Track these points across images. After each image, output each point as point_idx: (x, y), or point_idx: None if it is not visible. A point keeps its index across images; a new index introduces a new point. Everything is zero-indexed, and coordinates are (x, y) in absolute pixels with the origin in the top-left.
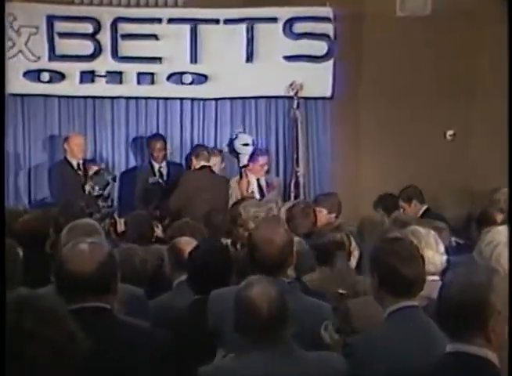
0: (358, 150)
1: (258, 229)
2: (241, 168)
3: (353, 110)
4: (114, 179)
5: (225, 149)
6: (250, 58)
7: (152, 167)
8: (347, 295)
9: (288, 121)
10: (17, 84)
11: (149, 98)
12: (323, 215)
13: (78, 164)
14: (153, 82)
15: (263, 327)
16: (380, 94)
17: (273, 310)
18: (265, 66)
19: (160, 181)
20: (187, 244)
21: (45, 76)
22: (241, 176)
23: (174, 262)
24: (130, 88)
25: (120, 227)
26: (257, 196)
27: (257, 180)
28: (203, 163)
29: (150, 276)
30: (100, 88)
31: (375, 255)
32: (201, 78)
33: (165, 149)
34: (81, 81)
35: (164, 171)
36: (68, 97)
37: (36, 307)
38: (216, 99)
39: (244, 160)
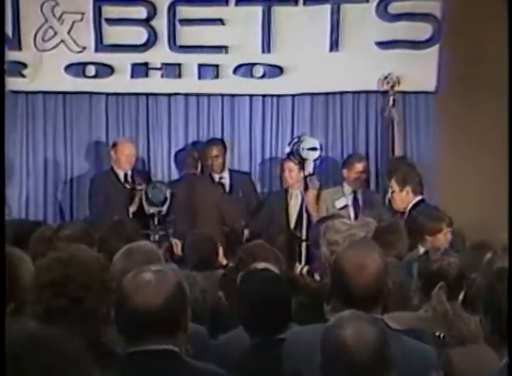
0: (467, 157)
1: (347, 253)
2: (306, 176)
3: (462, 108)
4: (173, 194)
5: (286, 152)
6: (335, 46)
7: (211, 177)
8: (447, 340)
9: (381, 121)
10: (58, 79)
11: (213, 94)
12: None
13: (126, 176)
14: (217, 76)
15: (359, 375)
16: (496, 89)
17: (372, 354)
18: (353, 56)
19: None
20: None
21: (91, 70)
22: (306, 187)
23: (230, 293)
24: (190, 82)
25: (177, 250)
26: (351, 214)
27: (354, 193)
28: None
29: (211, 311)
30: (155, 83)
31: (488, 290)
32: (275, 71)
33: (224, 156)
34: (133, 76)
35: (226, 182)
36: (117, 94)
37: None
38: (293, 96)
39: (309, 167)
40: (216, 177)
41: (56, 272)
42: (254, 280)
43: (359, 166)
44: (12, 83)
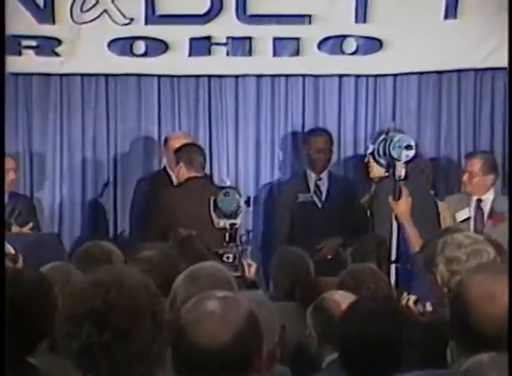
0: None
1: (473, 278)
2: (397, 180)
3: None
4: (248, 202)
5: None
6: (451, 12)
7: (306, 178)
8: None
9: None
10: (99, 58)
11: (292, 75)
12: None
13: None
14: (297, 52)
15: None
16: None
17: None
18: (475, 24)
19: (315, 199)
20: (343, 302)
21: (140, 46)
22: (399, 194)
23: (323, 328)
24: (263, 60)
25: (250, 274)
26: (471, 226)
27: (478, 201)
28: None
29: (296, 348)
30: (219, 62)
31: None
32: (372, 45)
33: (331, 151)
34: (192, 53)
35: (324, 185)
36: (172, 76)
37: None
38: (395, 75)
39: (401, 169)
40: (313, 177)
41: (95, 299)
42: (359, 312)
43: (480, 167)
44: (44, 64)
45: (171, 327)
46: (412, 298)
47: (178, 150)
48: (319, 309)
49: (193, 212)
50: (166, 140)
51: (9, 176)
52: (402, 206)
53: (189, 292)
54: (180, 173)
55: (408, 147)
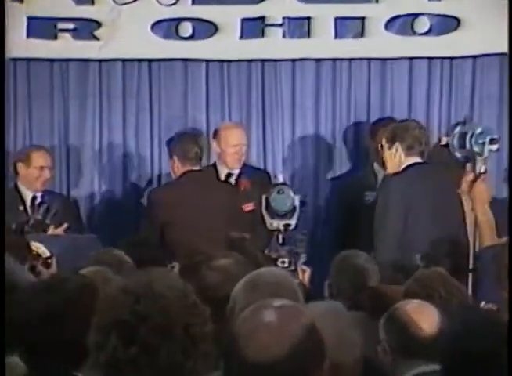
0: None
1: None
2: (477, 177)
3: None
4: (303, 202)
5: (443, 143)
6: None
7: (374, 174)
8: None
9: None
10: (142, 42)
11: (356, 59)
12: None
13: (228, 176)
14: (361, 33)
15: None
16: None
17: None
18: None
19: None
20: (420, 312)
21: (187, 28)
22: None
23: (397, 341)
24: (323, 43)
25: (305, 279)
26: None
27: None
28: None
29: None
30: (274, 44)
31: None
32: (447, 23)
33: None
34: (243, 35)
35: None
36: (222, 61)
37: None
38: (474, 57)
39: (482, 165)
40: (382, 174)
41: (124, 309)
42: (460, 324)
43: None
44: (81, 48)
45: (224, 338)
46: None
47: (169, 142)
48: (392, 320)
49: (190, 211)
50: (215, 132)
51: (44, 175)
52: (481, 186)
53: (249, 301)
54: (175, 168)
55: (492, 141)
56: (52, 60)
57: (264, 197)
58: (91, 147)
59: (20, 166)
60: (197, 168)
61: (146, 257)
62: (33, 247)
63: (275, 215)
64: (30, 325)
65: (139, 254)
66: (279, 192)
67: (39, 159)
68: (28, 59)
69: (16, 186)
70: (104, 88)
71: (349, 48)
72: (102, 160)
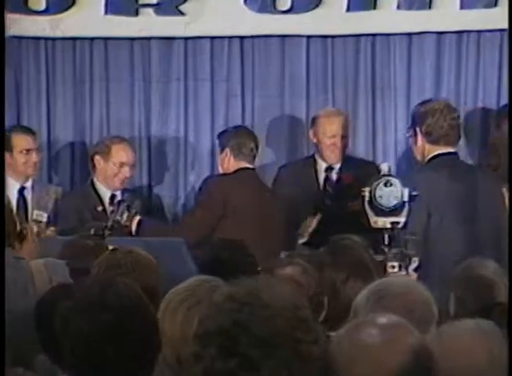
0: None
1: None
2: None
3: None
4: (414, 196)
5: None
6: None
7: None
8: None
9: None
10: (234, 16)
11: (492, 30)
12: None
13: (328, 169)
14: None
15: None
16: None
17: None
18: None
19: None
20: None
21: (285, 0)
22: None
23: None
24: (446, 14)
25: None
26: None
27: None
28: None
29: None
30: (387, 17)
31: None
32: None
33: None
34: (350, 8)
35: None
36: (325, 37)
37: None
38: None
39: None
40: None
41: (226, 317)
42: None
43: None
44: (165, 25)
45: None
46: None
47: (222, 134)
48: None
49: (246, 209)
50: (313, 120)
51: (123, 173)
52: None
53: (374, 314)
54: (225, 162)
55: None
56: (132, 39)
57: (367, 190)
58: (176, 137)
59: (98, 160)
60: (251, 165)
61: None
62: None
63: (379, 211)
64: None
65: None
66: (386, 184)
67: (120, 153)
68: (106, 39)
69: (92, 183)
70: (190, 69)
71: (479, 19)
72: (188, 153)
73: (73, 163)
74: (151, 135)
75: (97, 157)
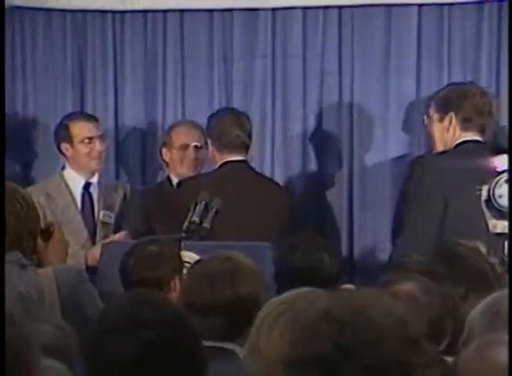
0: None
1: None
2: None
3: None
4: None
5: None
6: None
7: None
8: None
9: None
10: None
11: None
12: None
13: None
14: None
15: None
16: None
17: None
18: None
19: None
20: None
21: None
22: None
23: None
24: None
25: None
26: None
27: None
28: None
29: None
30: None
31: None
32: None
33: None
34: None
35: None
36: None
37: None
38: None
39: None
40: None
41: (326, 341)
42: None
43: None
44: None
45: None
46: None
47: (208, 120)
48: None
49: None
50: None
51: (188, 156)
52: None
53: (490, 332)
54: (212, 156)
55: None
56: (211, 11)
57: (485, 188)
58: (261, 119)
59: (165, 152)
60: (238, 157)
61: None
62: (185, 259)
63: (498, 213)
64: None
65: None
66: (508, 181)
67: (180, 137)
68: (182, 11)
69: (169, 179)
70: (278, 46)
71: None
72: (276, 140)
73: (144, 155)
74: None
75: (164, 150)
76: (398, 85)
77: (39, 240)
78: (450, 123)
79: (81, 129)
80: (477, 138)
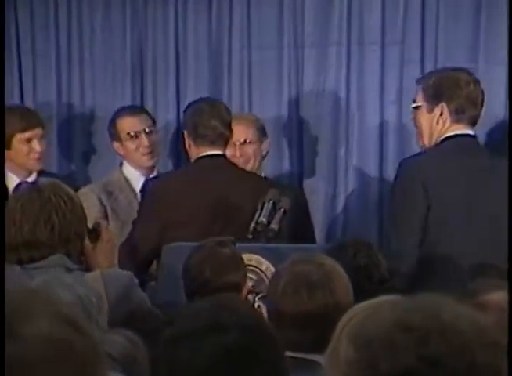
0: None
1: None
2: None
3: None
4: None
5: None
6: None
7: None
8: None
9: None
10: None
11: None
12: None
13: None
14: None
15: None
16: None
17: None
18: None
19: None
20: None
21: None
22: None
23: None
24: None
25: None
26: None
27: None
28: None
29: None
30: None
31: None
32: None
33: None
34: None
35: None
36: None
37: None
38: None
39: None
40: None
41: (406, 352)
42: None
43: None
44: None
45: None
46: None
47: (184, 111)
48: None
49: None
50: None
51: (241, 153)
52: None
53: None
54: (189, 149)
55: None
56: None
57: None
58: (334, 116)
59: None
60: (216, 151)
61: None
62: (251, 262)
63: None
64: None
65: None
66: None
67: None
68: None
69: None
70: (354, 32)
71: None
72: (350, 134)
73: None
74: (303, 115)
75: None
76: (489, 75)
77: (86, 242)
78: (441, 114)
79: (123, 125)
80: (469, 131)
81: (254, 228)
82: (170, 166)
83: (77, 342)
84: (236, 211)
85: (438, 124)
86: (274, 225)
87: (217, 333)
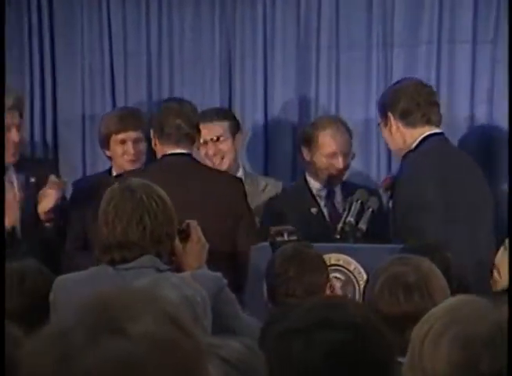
0: None
1: None
2: None
3: None
4: None
5: None
6: None
7: None
8: None
9: None
10: None
11: None
12: None
13: None
14: None
15: None
16: None
17: None
18: None
19: None
20: None
21: None
22: None
23: None
24: None
25: None
26: None
27: None
28: None
29: None
30: None
31: None
32: None
33: None
34: None
35: None
36: None
37: None
38: None
39: None
40: None
41: (464, 367)
42: None
43: None
44: None
45: None
46: None
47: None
48: None
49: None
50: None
51: (333, 165)
52: None
53: None
54: (155, 147)
55: None
56: None
57: None
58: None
59: (306, 152)
60: (181, 150)
61: None
62: (339, 262)
63: None
64: None
65: None
66: None
67: (327, 142)
68: None
69: (304, 178)
70: (445, 30)
71: None
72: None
73: (295, 149)
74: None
75: (304, 149)
76: None
77: (177, 242)
78: (391, 123)
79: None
80: (437, 130)
81: (342, 228)
82: (259, 166)
83: (181, 341)
84: (198, 209)
85: (397, 133)
86: (362, 225)
87: (329, 330)
